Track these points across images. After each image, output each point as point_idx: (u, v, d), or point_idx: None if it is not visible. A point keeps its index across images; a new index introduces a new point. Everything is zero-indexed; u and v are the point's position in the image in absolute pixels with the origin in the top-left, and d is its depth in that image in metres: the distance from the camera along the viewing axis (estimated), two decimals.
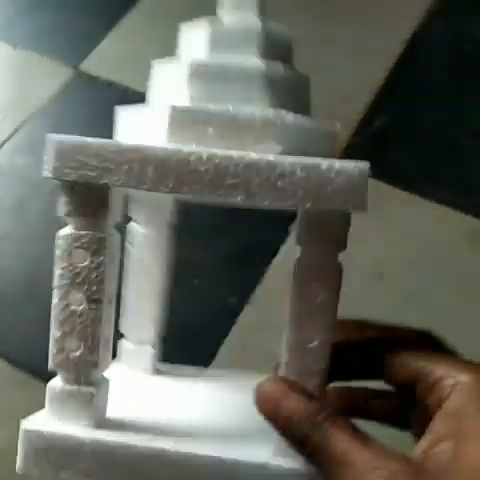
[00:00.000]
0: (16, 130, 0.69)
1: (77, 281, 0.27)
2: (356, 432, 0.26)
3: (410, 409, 0.29)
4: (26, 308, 0.56)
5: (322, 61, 0.70)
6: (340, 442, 0.25)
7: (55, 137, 0.27)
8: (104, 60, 0.74)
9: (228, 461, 0.27)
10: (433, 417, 0.26)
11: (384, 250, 0.58)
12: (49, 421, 0.28)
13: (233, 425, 0.31)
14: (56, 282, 0.28)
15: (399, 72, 0.72)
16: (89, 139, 0.26)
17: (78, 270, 0.27)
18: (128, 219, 0.36)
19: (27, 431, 0.28)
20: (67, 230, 0.28)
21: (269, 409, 0.27)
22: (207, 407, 0.34)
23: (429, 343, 0.29)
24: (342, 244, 0.27)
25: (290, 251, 0.57)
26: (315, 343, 0.26)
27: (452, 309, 0.52)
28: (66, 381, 0.28)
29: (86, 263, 0.27)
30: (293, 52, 0.31)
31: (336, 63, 0.72)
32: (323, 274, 0.26)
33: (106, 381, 0.30)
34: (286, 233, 0.61)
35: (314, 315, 0.26)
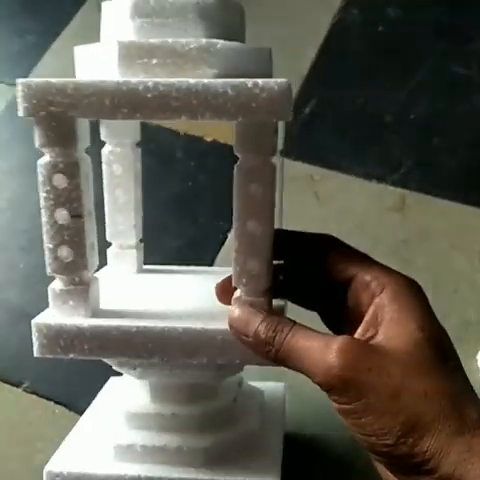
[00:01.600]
0: None
1: (60, 201, 0.33)
2: (309, 328, 0.32)
3: (339, 304, 0.34)
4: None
5: None
6: (297, 337, 0.31)
7: (23, 81, 0.31)
8: (44, 77, 0.77)
9: (197, 329, 0.34)
10: (367, 311, 0.32)
11: (321, 227, 0.62)
12: (54, 315, 0.35)
13: (205, 307, 0.38)
14: (43, 203, 0.33)
15: (322, 61, 0.75)
16: (52, 79, 0.31)
17: (59, 191, 0.33)
18: (102, 144, 0.41)
19: (38, 324, 0.35)
20: (45, 159, 0.33)
21: (240, 329, 0.33)
22: (187, 294, 0.40)
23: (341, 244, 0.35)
24: (273, 149, 0.32)
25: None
26: (258, 231, 0.32)
27: None
28: (63, 283, 0.35)
29: (65, 185, 0.33)
30: None
31: None
32: (259, 174, 0.32)
33: (96, 279, 0.36)
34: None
35: (255, 208, 0.32)
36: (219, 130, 0.71)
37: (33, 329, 0.35)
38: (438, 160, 0.67)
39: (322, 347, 0.30)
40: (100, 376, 0.48)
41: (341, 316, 0.35)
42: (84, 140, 0.33)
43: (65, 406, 0.54)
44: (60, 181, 0.33)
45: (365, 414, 0.30)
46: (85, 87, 0.31)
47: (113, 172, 0.41)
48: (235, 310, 0.34)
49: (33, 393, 0.55)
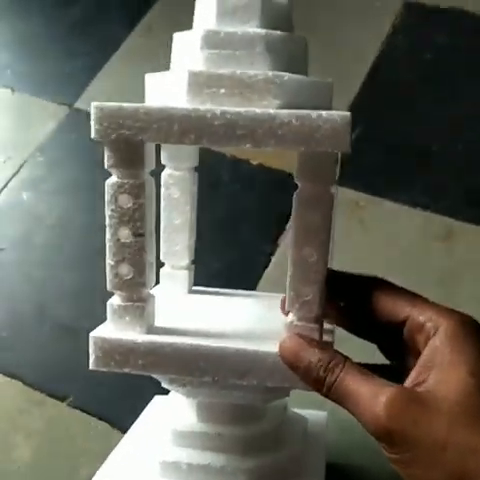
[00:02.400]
0: (20, 167, 0.75)
1: (124, 219, 0.34)
2: (361, 370, 0.32)
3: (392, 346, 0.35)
4: (37, 332, 0.62)
5: None
6: (347, 381, 0.32)
7: (97, 104, 0.33)
8: (95, 98, 0.79)
9: (249, 351, 0.34)
10: (422, 352, 0.32)
11: (366, 255, 0.62)
12: (111, 330, 0.36)
13: (256, 329, 0.38)
14: (107, 221, 0.35)
15: (370, 88, 0.76)
16: (124, 104, 0.33)
17: (124, 211, 0.34)
18: (162, 167, 0.43)
19: (95, 337, 0.36)
20: (113, 179, 0.34)
21: (290, 360, 0.34)
22: (237, 316, 0.41)
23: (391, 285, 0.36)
24: (332, 179, 0.33)
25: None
26: (313, 258, 0.33)
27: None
28: (121, 299, 0.36)
29: (130, 205, 0.34)
30: (292, 18, 0.36)
31: None
32: (318, 203, 0.33)
33: (152, 297, 0.37)
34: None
35: (312, 236, 0.33)
36: (264, 154, 0.72)
37: (90, 342, 0.36)
38: None
39: (371, 397, 0.31)
40: (145, 395, 0.48)
41: (400, 350, 0.35)
42: (150, 163, 0.35)
43: (109, 422, 0.55)
44: (125, 201, 0.34)
45: (412, 465, 0.30)
46: (155, 112, 0.32)
47: (171, 194, 0.43)
48: (286, 340, 0.34)
49: (77, 408, 0.56)
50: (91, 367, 0.36)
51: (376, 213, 0.66)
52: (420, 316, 0.33)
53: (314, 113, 0.31)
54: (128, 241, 0.35)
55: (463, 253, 0.62)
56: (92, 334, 0.36)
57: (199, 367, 0.35)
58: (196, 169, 0.44)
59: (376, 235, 0.65)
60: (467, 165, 0.69)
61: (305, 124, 0.31)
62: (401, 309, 0.34)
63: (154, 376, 0.38)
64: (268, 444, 0.41)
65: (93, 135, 0.33)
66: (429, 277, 0.61)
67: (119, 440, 0.46)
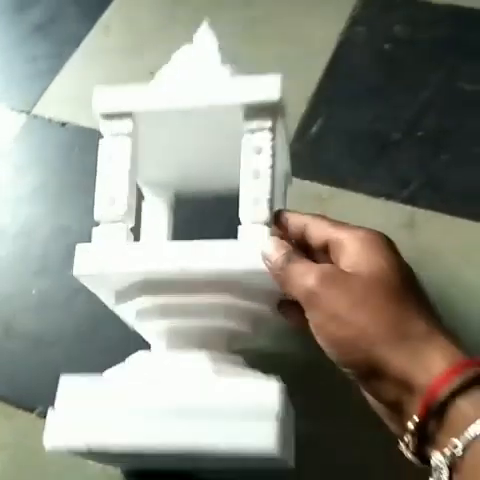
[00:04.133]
0: None
1: None
2: (300, 258, 0.40)
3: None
4: (6, 345, 0.61)
5: None
6: (294, 266, 0.40)
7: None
8: (54, 102, 0.78)
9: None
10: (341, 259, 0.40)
11: None
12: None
13: None
14: None
15: (329, 80, 0.76)
16: None
17: None
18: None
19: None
20: None
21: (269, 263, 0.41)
22: None
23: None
24: None
25: None
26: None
27: None
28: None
29: None
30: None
31: None
32: None
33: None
34: None
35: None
36: None
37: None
38: (447, 176, 0.67)
39: (304, 273, 0.39)
40: None
41: None
42: None
43: None
44: None
45: (331, 324, 0.36)
46: None
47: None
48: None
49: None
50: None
51: (339, 205, 0.66)
52: (339, 235, 0.40)
53: None
54: None
55: (427, 241, 0.62)
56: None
57: None
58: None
59: None
60: (427, 152, 0.69)
61: None
62: (325, 233, 0.41)
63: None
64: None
65: None
66: None
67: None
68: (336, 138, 0.72)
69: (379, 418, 0.39)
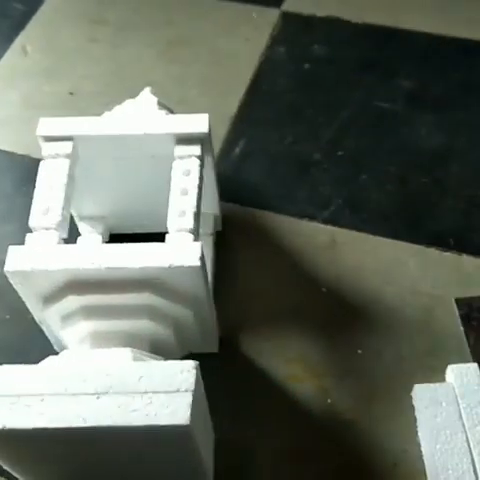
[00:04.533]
0: None
1: None
2: None
3: None
4: None
5: (180, 98, 0.75)
6: None
7: None
8: None
9: None
10: None
11: (256, 268, 0.63)
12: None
13: None
14: None
15: (250, 100, 0.77)
16: None
17: None
18: None
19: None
20: None
21: None
22: None
23: None
24: None
25: None
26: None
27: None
28: None
29: None
30: None
31: (195, 100, 0.77)
32: None
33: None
34: None
35: None
36: None
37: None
38: (367, 196, 0.68)
39: None
40: None
41: None
42: None
43: None
44: None
45: None
46: None
47: None
48: None
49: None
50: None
51: (262, 227, 0.66)
52: None
53: None
54: None
55: (348, 260, 0.63)
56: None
57: None
58: None
59: (264, 249, 0.65)
60: (347, 172, 0.70)
61: None
62: None
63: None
64: None
65: None
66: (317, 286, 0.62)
67: None
68: (258, 159, 0.72)
69: None
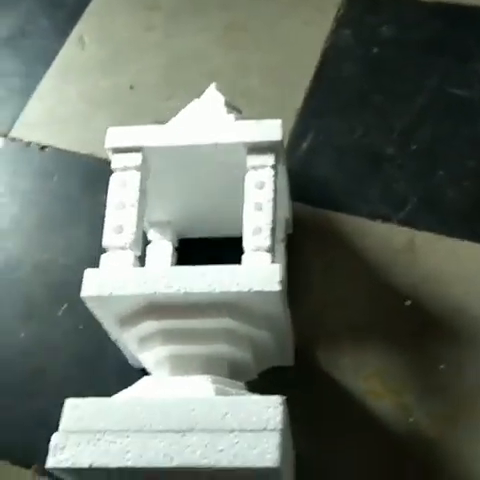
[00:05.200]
0: None
1: None
2: None
3: None
4: None
5: (242, 89, 0.71)
6: None
7: None
8: (31, 124, 0.75)
9: None
10: None
11: (328, 272, 0.60)
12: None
13: None
14: None
15: (317, 89, 0.73)
16: None
17: None
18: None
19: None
20: None
21: None
22: None
23: None
24: None
25: None
26: None
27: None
28: None
29: None
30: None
31: (258, 91, 0.73)
32: None
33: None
34: None
35: None
36: None
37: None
38: (444, 194, 0.64)
39: None
40: None
41: None
42: None
43: None
44: None
45: None
46: None
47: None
48: None
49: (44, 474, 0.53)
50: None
51: (336, 230, 0.63)
52: None
53: None
54: None
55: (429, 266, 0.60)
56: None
57: None
58: None
59: (337, 253, 0.62)
60: (422, 167, 0.66)
61: None
62: None
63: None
64: None
65: None
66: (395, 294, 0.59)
67: None
68: (327, 154, 0.69)
69: None
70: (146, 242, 0.58)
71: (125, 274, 0.44)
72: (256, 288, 0.42)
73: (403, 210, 0.64)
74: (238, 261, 0.46)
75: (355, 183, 0.66)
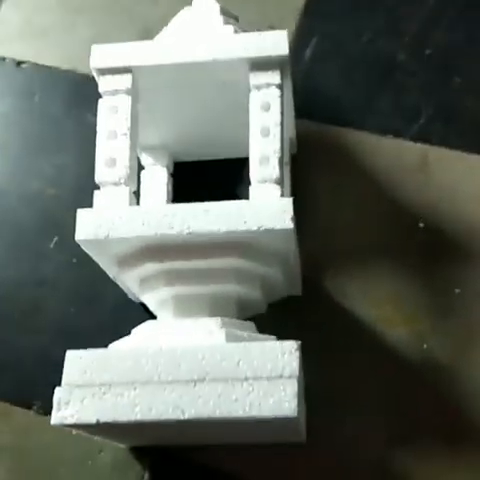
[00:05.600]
0: None
1: None
2: None
3: None
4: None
5: None
6: None
7: None
8: (5, 37, 0.67)
9: None
10: None
11: (337, 195, 0.56)
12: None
13: None
14: None
15: None
16: None
17: None
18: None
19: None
20: None
21: None
22: None
23: None
24: None
25: None
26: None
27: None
28: None
29: None
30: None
31: None
32: None
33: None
34: None
35: None
36: None
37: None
38: (462, 104, 0.59)
39: None
40: None
41: None
42: None
43: None
44: None
45: None
46: None
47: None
48: None
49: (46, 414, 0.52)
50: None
51: (343, 146, 0.59)
52: None
53: None
54: None
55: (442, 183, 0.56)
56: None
57: None
58: None
59: (344, 173, 0.58)
60: (436, 76, 0.61)
61: None
62: None
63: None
64: None
65: None
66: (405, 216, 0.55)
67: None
68: (333, 62, 0.63)
69: None
70: (140, 167, 0.54)
71: (122, 214, 0.40)
72: (266, 226, 0.39)
73: (416, 123, 0.59)
74: (239, 186, 0.42)
75: (363, 94, 0.61)
